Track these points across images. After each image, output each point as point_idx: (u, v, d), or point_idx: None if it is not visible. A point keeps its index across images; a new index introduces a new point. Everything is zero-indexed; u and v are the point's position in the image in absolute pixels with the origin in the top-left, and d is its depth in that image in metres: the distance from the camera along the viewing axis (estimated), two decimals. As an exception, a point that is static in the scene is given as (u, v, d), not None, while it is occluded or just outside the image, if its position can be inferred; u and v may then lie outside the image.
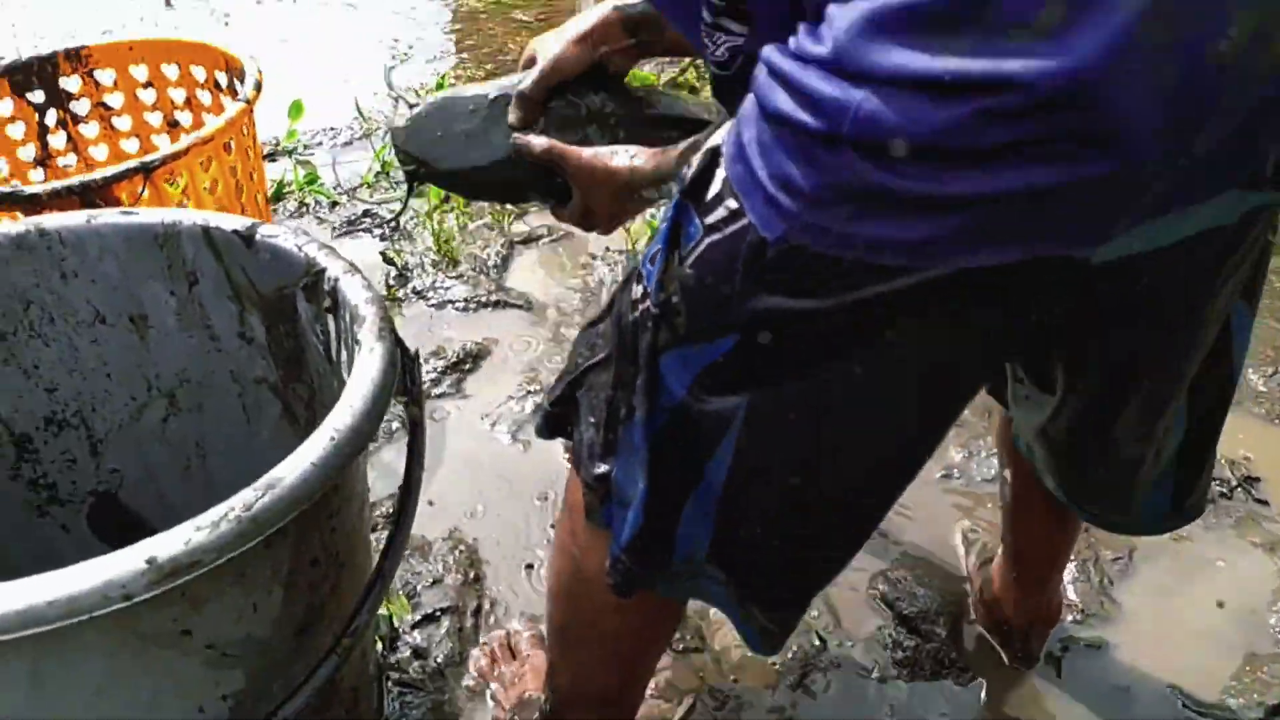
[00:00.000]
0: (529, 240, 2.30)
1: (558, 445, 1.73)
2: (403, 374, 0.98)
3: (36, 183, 1.92)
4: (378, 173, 2.55)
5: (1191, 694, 1.30)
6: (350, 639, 0.92)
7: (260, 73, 1.71)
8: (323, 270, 1.06)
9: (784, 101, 0.64)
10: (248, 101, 1.64)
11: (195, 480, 1.30)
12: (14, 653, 0.77)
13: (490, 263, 2.20)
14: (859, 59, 0.59)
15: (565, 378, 0.91)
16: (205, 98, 1.93)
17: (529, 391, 1.84)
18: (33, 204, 1.47)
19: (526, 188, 1.04)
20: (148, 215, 1.15)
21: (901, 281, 0.65)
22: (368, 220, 2.35)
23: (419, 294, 2.09)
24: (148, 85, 1.96)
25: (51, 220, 1.15)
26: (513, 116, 1.00)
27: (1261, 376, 1.85)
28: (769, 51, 0.66)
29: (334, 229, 2.33)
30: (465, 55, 3.22)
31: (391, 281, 2.12)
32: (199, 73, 1.91)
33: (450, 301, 2.08)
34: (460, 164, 1.04)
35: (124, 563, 0.73)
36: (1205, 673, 1.32)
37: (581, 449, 0.89)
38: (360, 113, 2.78)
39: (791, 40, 0.65)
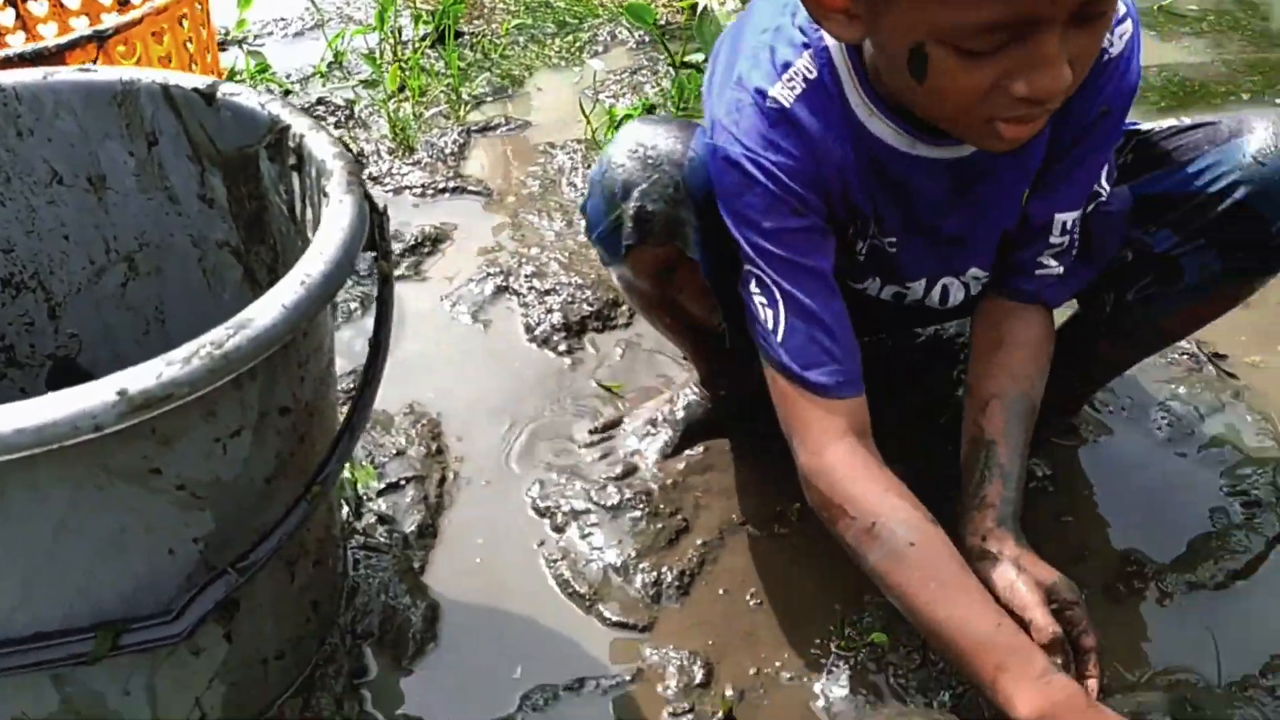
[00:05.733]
0: (486, 129, 2.28)
1: (519, 324, 1.74)
2: (372, 228, 0.98)
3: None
4: (330, 63, 2.50)
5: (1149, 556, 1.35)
6: (320, 486, 0.94)
7: (212, -58, 1.66)
8: (287, 127, 1.05)
9: None
10: (201, -30, 1.60)
11: (154, 346, 1.29)
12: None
13: (447, 150, 2.18)
14: None
15: None
16: (155, -28, 1.87)
17: (489, 274, 1.84)
18: (-21, 69, 1.43)
19: None
20: (106, 73, 1.13)
21: None
22: (321, 108, 2.31)
23: (375, 180, 2.07)
24: (94, -42, 1.90)
25: (6, 76, 1.13)
26: None
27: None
28: None
29: (287, 115, 2.29)
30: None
31: (348, 167, 2.09)
32: (148, -55, 1.85)
33: (407, 188, 2.06)
34: None
35: (96, 394, 0.74)
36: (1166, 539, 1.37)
37: None
38: (313, 2, 2.71)
39: None
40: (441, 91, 2.37)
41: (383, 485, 1.42)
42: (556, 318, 1.74)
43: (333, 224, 0.90)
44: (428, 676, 1.21)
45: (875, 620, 1.25)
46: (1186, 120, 1.20)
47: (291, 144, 1.04)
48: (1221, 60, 2.62)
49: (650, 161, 1.15)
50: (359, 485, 1.38)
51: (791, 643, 1.25)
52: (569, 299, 1.77)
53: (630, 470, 1.47)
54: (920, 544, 1.03)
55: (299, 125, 1.03)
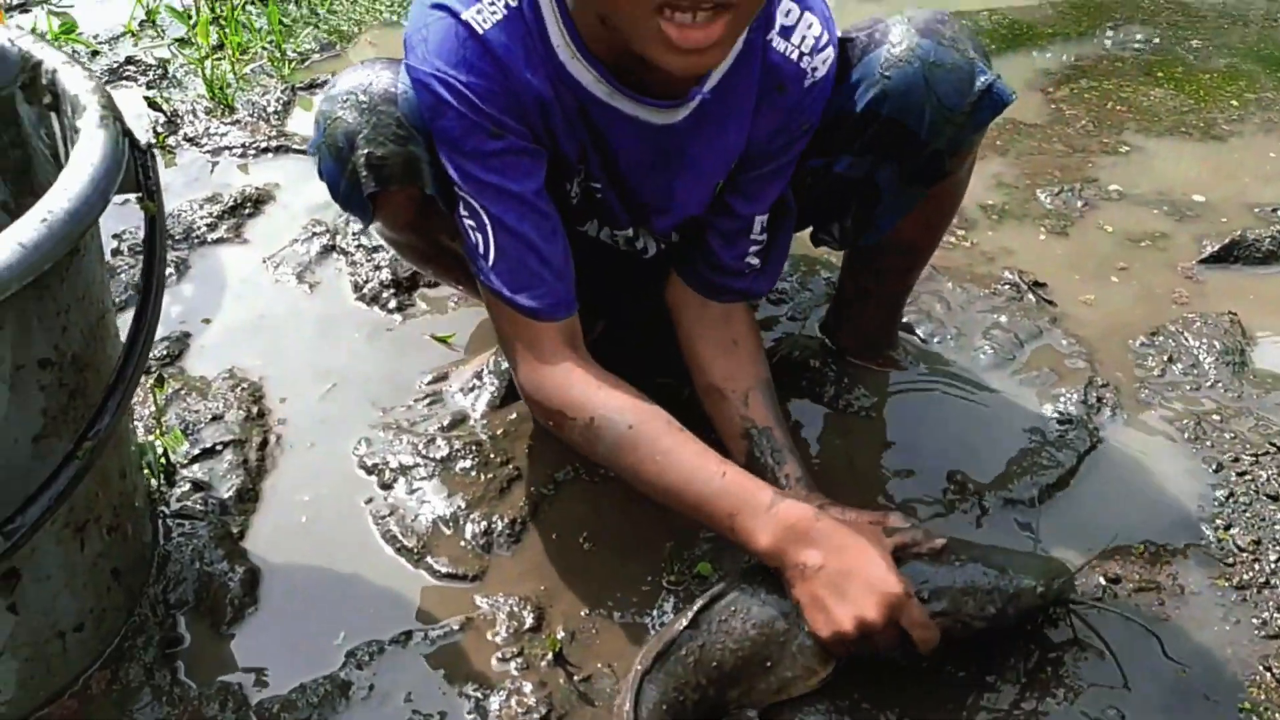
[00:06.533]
0: (313, 86, 2.20)
1: (347, 284, 1.69)
2: (136, 168, 0.92)
3: None
4: (141, 21, 2.37)
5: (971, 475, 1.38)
6: (92, 442, 0.88)
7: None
8: (39, 63, 0.98)
9: None
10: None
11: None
12: None
13: (270, 109, 2.09)
14: None
15: None
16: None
17: (315, 234, 1.77)
18: None
19: None
20: None
21: None
22: (132, 68, 2.19)
23: (192, 141, 1.97)
24: None
25: None
26: None
27: (1049, 195, 1.95)
28: None
29: (96, 78, 2.16)
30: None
31: (160, 128, 1.99)
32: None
33: (227, 148, 1.97)
34: None
35: None
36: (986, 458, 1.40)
37: None
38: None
39: None
40: (263, 48, 2.27)
41: (197, 451, 1.35)
42: (385, 275, 1.69)
43: (81, 160, 0.84)
44: (247, 641, 1.16)
45: (704, 554, 1.25)
46: (839, 33, 1.20)
47: (45, 81, 0.97)
48: (1049, 3, 2.71)
49: (365, 105, 1.11)
50: (169, 451, 1.31)
51: (623, 582, 1.24)
52: (398, 256, 1.71)
53: (459, 422, 1.44)
54: (638, 424, 1.09)
55: (51, 60, 0.97)
